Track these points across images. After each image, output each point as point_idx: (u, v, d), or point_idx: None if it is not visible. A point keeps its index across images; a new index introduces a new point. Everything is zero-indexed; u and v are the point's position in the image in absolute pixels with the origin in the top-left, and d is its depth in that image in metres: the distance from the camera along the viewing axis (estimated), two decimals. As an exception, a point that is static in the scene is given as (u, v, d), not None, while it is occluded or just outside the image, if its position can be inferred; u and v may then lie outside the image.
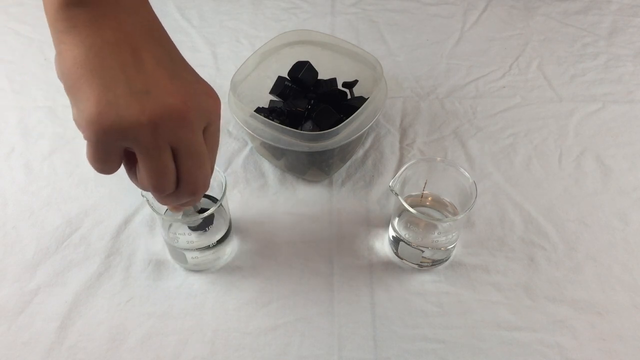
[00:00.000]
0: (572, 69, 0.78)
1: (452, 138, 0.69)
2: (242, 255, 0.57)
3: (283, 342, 0.50)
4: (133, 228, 0.59)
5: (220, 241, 0.54)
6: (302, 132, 0.55)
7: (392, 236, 0.56)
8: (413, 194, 0.58)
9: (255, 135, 0.57)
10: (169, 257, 0.56)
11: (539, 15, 0.87)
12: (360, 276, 0.55)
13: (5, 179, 0.63)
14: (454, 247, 0.56)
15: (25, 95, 0.73)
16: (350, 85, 0.67)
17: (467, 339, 0.51)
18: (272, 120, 0.57)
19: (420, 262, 0.55)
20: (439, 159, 0.55)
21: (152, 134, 0.33)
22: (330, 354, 0.50)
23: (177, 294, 0.54)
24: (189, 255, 0.53)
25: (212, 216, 0.51)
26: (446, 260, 0.56)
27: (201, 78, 0.38)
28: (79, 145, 0.66)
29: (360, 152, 0.67)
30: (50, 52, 0.54)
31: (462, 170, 0.53)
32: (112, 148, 0.34)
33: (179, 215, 0.50)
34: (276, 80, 0.65)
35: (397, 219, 0.56)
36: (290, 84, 0.64)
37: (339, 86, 0.67)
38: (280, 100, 0.66)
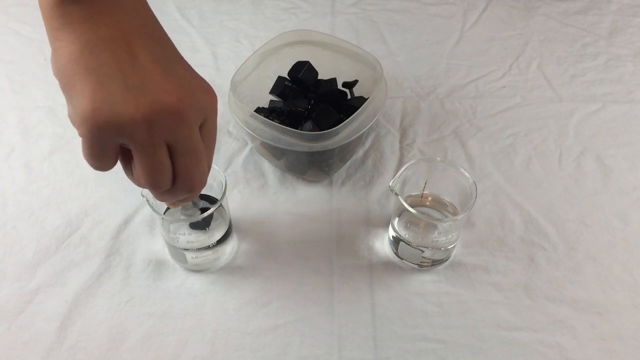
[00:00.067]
0: (572, 69, 0.78)
1: (452, 138, 0.69)
2: (242, 255, 0.57)
3: (283, 342, 0.50)
4: (133, 228, 0.59)
5: (220, 241, 0.54)
6: (302, 132, 0.55)
7: (392, 236, 0.56)
8: (413, 194, 0.58)
9: (255, 135, 0.57)
10: (169, 257, 0.56)
11: (539, 15, 0.87)
12: (360, 276, 0.55)
13: (5, 179, 0.63)
14: (454, 247, 0.56)
15: (25, 95, 0.73)
16: (350, 85, 0.67)
17: (467, 339, 0.51)
18: (272, 120, 0.57)
19: (420, 262, 0.55)
20: (439, 159, 0.55)
21: (147, 130, 0.33)
22: (330, 354, 0.50)
23: (177, 294, 0.54)
24: (189, 255, 0.53)
25: (211, 216, 0.51)
26: (446, 260, 0.56)
27: (198, 74, 0.38)
28: (79, 145, 0.66)
29: (360, 152, 0.67)
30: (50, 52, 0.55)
31: (462, 170, 0.53)
32: (107, 144, 0.34)
33: (179, 215, 0.50)
34: (276, 80, 0.65)
35: (397, 219, 0.56)
36: (290, 84, 0.64)
37: (339, 86, 0.67)
38: (280, 100, 0.66)
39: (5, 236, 0.58)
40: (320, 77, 0.67)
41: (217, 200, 0.51)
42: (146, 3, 0.37)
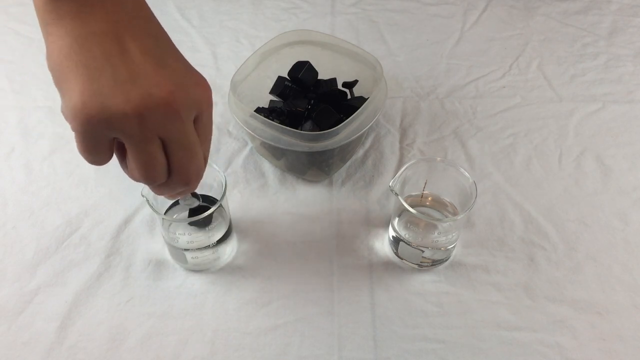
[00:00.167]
0: (572, 69, 0.78)
1: (452, 138, 0.69)
2: (242, 255, 0.57)
3: (283, 342, 0.50)
4: (133, 228, 0.59)
5: (220, 241, 0.54)
6: (302, 132, 0.55)
7: (392, 236, 0.56)
8: (413, 194, 0.58)
9: (255, 135, 0.57)
10: (169, 257, 0.56)
11: (539, 15, 0.87)
12: (360, 276, 0.55)
13: (5, 179, 0.63)
14: (454, 247, 0.56)
15: (25, 95, 0.73)
16: (350, 85, 0.67)
17: (467, 339, 0.51)
18: (272, 120, 0.57)
19: (420, 262, 0.55)
20: (439, 159, 0.55)
21: (138, 124, 0.33)
22: (330, 354, 0.50)
23: (177, 294, 0.54)
24: (189, 255, 0.53)
25: (211, 216, 0.51)
26: (446, 260, 0.56)
27: (191, 67, 0.37)
28: (79, 145, 0.66)
29: (360, 152, 0.67)
30: (50, 52, 0.54)
31: (462, 170, 0.53)
32: (99, 138, 0.34)
33: (179, 214, 0.50)
34: (276, 80, 0.65)
35: (397, 219, 0.56)
36: (290, 84, 0.64)
37: (339, 86, 0.67)
38: (280, 100, 0.66)
39: (5, 236, 0.58)
40: (320, 77, 0.67)
41: (217, 200, 0.51)
42: None
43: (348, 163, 0.66)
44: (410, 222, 0.55)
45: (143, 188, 0.48)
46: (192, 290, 0.54)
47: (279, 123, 0.56)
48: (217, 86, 0.74)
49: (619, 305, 0.53)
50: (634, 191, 0.63)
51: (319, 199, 0.62)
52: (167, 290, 0.54)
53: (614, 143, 0.68)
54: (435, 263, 0.56)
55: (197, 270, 0.55)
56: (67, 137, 0.67)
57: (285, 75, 0.66)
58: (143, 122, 0.33)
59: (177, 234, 0.52)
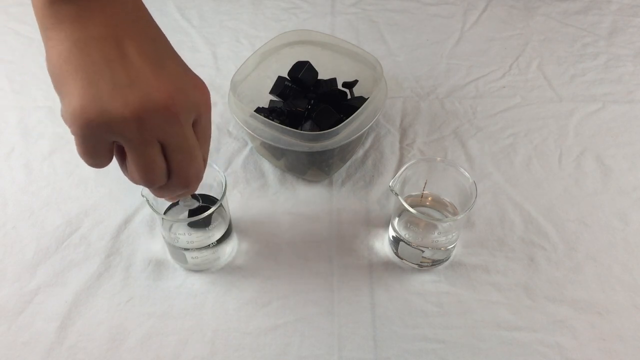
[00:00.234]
0: (572, 69, 0.78)
1: (452, 138, 0.69)
2: (242, 255, 0.57)
3: (283, 342, 0.50)
4: (133, 228, 0.59)
5: (220, 241, 0.54)
6: (302, 132, 0.55)
7: (392, 236, 0.56)
8: (413, 194, 0.58)
9: (255, 135, 0.57)
10: (169, 257, 0.56)
11: (539, 15, 0.87)
12: (360, 276, 0.55)
13: (5, 179, 0.63)
14: (454, 247, 0.56)
15: (25, 95, 0.73)
16: (350, 85, 0.67)
17: (467, 339, 0.51)
18: (272, 120, 0.57)
19: (420, 262, 0.55)
20: (439, 159, 0.55)
21: (137, 128, 0.33)
22: (330, 354, 0.50)
23: (177, 294, 0.54)
24: (189, 255, 0.53)
25: (211, 216, 0.51)
26: (446, 260, 0.56)
27: (190, 70, 0.37)
28: (79, 145, 0.66)
29: (360, 152, 0.67)
30: (50, 52, 0.54)
31: (462, 170, 0.53)
32: (99, 142, 0.34)
33: (179, 214, 0.50)
34: (276, 80, 0.65)
35: (397, 219, 0.56)
36: (290, 84, 0.64)
37: (339, 86, 0.67)
38: (280, 100, 0.66)
39: (5, 236, 0.58)
40: (320, 77, 0.67)
41: (217, 200, 0.51)
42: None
43: (348, 163, 0.66)
44: (410, 222, 0.55)
45: (143, 188, 0.48)
46: (192, 290, 0.54)
47: (279, 123, 0.56)
48: (217, 86, 0.74)
49: (619, 305, 0.53)
50: (634, 191, 0.63)
51: (319, 199, 0.62)
52: (167, 290, 0.54)
53: (614, 143, 0.68)
54: (435, 263, 0.56)
55: (197, 270, 0.55)
56: (67, 137, 0.67)
57: (285, 75, 0.66)
58: (142, 126, 0.33)
59: (177, 234, 0.52)
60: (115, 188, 0.62)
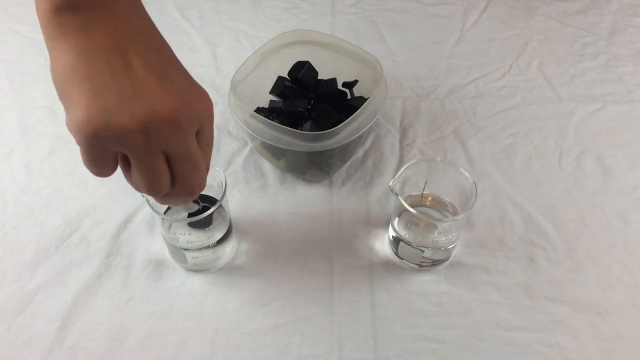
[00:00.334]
0: (572, 69, 0.78)
1: (452, 138, 0.69)
2: (242, 255, 0.57)
3: (283, 342, 0.50)
4: (133, 228, 0.59)
5: (220, 241, 0.54)
6: (302, 132, 0.55)
7: (392, 236, 0.56)
8: (413, 194, 0.58)
9: (255, 135, 0.57)
10: (169, 257, 0.56)
11: (539, 15, 0.87)
12: (360, 276, 0.55)
13: (5, 179, 0.63)
14: (454, 247, 0.56)
15: (25, 95, 0.73)
16: (350, 85, 0.67)
17: (467, 339, 0.51)
18: (272, 120, 0.57)
19: (420, 262, 0.55)
20: (439, 159, 0.55)
21: (142, 139, 0.33)
22: (330, 354, 0.50)
23: (177, 294, 0.54)
24: (189, 255, 0.53)
25: (211, 216, 0.51)
26: (446, 260, 0.56)
27: (194, 81, 0.38)
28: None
29: (360, 152, 0.67)
30: (50, 52, 0.55)
31: (462, 170, 0.53)
32: (104, 153, 0.35)
33: (179, 214, 0.50)
34: (276, 80, 0.65)
35: (397, 219, 0.56)
36: (290, 84, 0.64)
37: (339, 86, 0.67)
38: (280, 100, 0.66)
39: (5, 236, 0.58)
40: (320, 77, 0.67)
41: (217, 200, 0.51)
42: (143, 9, 0.37)
43: (348, 163, 0.66)
44: (410, 222, 0.55)
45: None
46: (192, 290, 0.54)
47: (279, 123, 0.56)
48: (217, 86, 0.74)
49: (619, 305, 0.53)
50: (634, 191, 0.63)
51: (319, 199, 0.62)
52: (167, 290, 0.54)
53: (614, 143, 0.68)
54: (435, 263, 0.56)
55: (197, 270, 0.55)
56: (67, 137, 0.67)
57: (285, 75, 0.66)
58: (147, 137, 0.34)
59: (177, 234, 0.52)
60: (115, 188, 0.62)
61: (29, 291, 0.54)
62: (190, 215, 0.50)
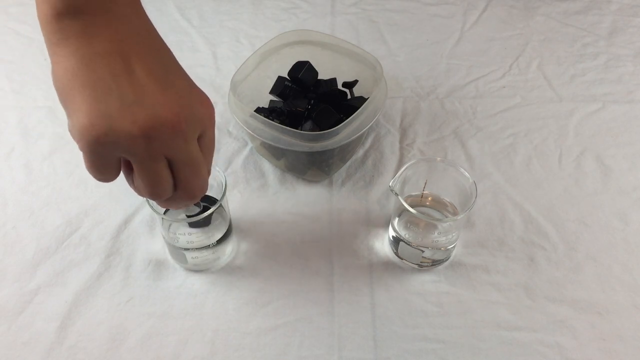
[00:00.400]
0: (572, 69, 0.78)
1: (452, 138, 0.69)
2: (242, 255, 0.57)
3: (283, 342, 0.50)
4: (133, 228, 0.59)
5: (220, 241, 0.54)
6: (302, 132, 0.55)
7: (392, 236, 0.56)
8: (413, 194, 0.58)
9: (255, 135, 0.57)
10: (169, 257, 0.56)
11: (539, 15, 0.87)
12: (360, 276, 0.55)
13: (5, 179, 0.63)
14: (454, 247, 0.56)
15: (25, 95, 0.73)
16: (350, 85, 0.67)
17: (467, 339, 0.51)
18: (272, 120, 0.57)
19: (420, 262, 0.55)
20: (439, 159, 0.55)
21: (145, 145, 0.34)
22: (330, 354, 0.50)
23: (177, 294, 0.54)
24: (189, 255, 0.53)
25: (211, 216, 0.51)
26: (446, 260, 0.56)
27: (195, 86, 0.38)
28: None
29: (360, 152, 0.67)
30: (50, 52, 0.55)
31: (462, 170, 0.53)
32: (107, 158, 0.35)
33: (179, 215, 0.50)
34: (276, 80, 0.65)
35: (397, 219, 0.56)
36: (290, 84, 0.64)
37: (339, 86, 0.67)
38: (280, 100, 0.66)
39: (5, 236, 0.58)
40: (320, 77, 0.67)
41: (217, 200, 0.51)
42: (144, 14, 0.37)
43: (348, 163, 0.66)
44: (410, 222, 0.55)
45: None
46: (192, 290, 0.54)
47: (279, 123, 0.56)
48: (217, 86, 0.74)
49: (619, 305, 0.53)
50: (634, 191, 0.63)
51: (319, 199, 0.62)
52: (167, 290, 0.54)
53: (614, 143, 0.68)
54: (435, 263, 0.56)
55: (197, 270, 0.55)
56: (67, 137, 0.67)
57: (285, 75, 0.66)
58: (150, 143, 0.34)
59: (177, 234, 0.52)
60: (115, 188, 0.62)
61: (29, 291, 0.54)
62: (191, 223, 0.50)
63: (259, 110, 0.63)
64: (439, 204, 0.58)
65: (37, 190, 0.62)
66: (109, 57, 0.34)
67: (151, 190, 0.36)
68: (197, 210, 0.49)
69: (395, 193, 0.51)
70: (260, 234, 0.59)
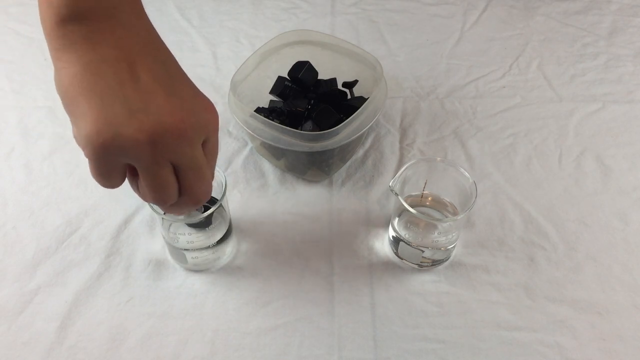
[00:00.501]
0: (572, 69, 0.78)
1: (452, 138, 0.69)
2: (242, 255, 0.57)
3: (283, 342, 0.50)
4: (133, 228, 0.59)
5: (220, 241, 0.54)
6: (302, 132, 0.55)
7: (392, 236, 0.56)
8: (413, 194, 0.58)
9: (255, 135, 0.57)
10: (169, 257, 0.56)
11: (539, 15, 0.87)
12: (360, 276, 0.55)
13: (5, 179, 0.63)
14: (454, 247, 0.56)
15: (25, 95, 0.73)
16: (350, 85, 0.67)
17: (467, 339, 0.51)
18: (272, 120, 0.57)
19: (420, 262, 0.55)
20: (439, 159, 0.55)
21: (150, 151, 0.34)
22: (330, 354, 0.50)
23: (177, 294, 0.54)
24: (189, 255, 0.53)
25: (211, 216, 0.51)
26: (446, 260, 0.56)
27: (199, 92, 0.38)
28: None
29: (360, 152, 0.67)
30: (50, 52, 0.55)
31: (462, 170, 0.53)
32: (113, 164, 0.35)
33: (179, 216, 0.50)
34: (276, 80, 0.65)
35: (397, 219, 0.56)
36: (290, 84, 0.64)
37: (339, 86, 0.67)
38: (280, 100, 0.66)
39: (5, 236, 0.58)
40: (320, 77, 0.67)
41: (217, 200, 0.51)
42: (147, 19, 0.37)
43: (348, 163, 0.66)
44: (410, 222, 0.55)
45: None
46: (192, 290, 0.54)
47: (279, 123, 0.56)
48: (217, 86, 0.74)
49: (619, 305, 0.53)
50: (634, 191, 0.63)
51: (319, 199, 0.62)
52: (167, 290, 0.54)
53: (614, 143, 0.68)
54: (435, 263, 0.56)
55: (197, 270, 0.55)
56: (67, 137, 0.67)
57: (285, 75, 0.66)
58: (155, 149, 0.34)
59: (177, 234, 0.52)
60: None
61: (29, 291, 0.54)
62: (191, 226, 0.50)
63: (259, 110, 0.63)
64: (439, 204, 0.58)
65: (37, 190, 0.62)
66: (114, 63, 0.34)
67: (156, 195, 0.37)
68: (198, 214, 0.49)
69: (395, 193, 0.51)
70: (260, 234, 0.59)
